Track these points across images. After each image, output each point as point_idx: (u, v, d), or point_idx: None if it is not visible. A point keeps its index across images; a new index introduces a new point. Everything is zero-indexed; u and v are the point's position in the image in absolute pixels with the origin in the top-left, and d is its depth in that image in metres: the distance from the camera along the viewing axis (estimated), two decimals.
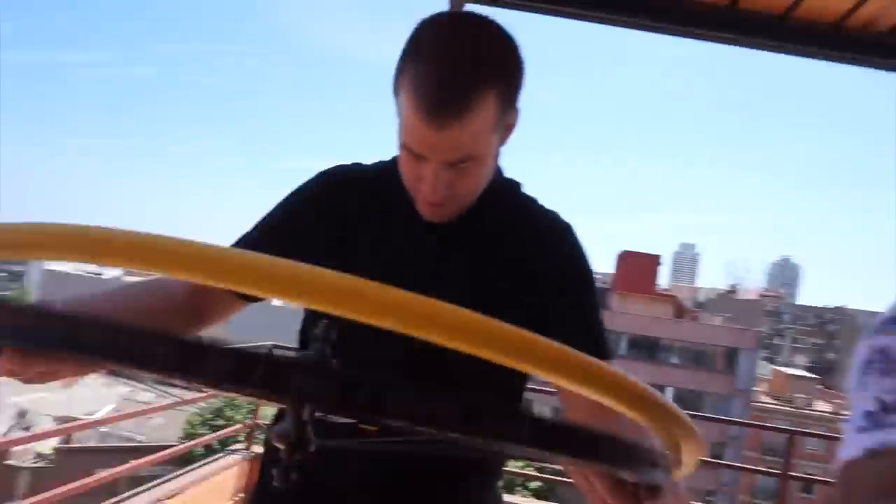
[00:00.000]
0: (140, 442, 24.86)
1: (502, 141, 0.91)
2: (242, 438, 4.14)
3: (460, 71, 0.80)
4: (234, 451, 4.01)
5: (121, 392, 31.82)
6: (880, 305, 0.72)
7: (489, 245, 0.96)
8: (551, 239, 0.99)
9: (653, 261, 35.42)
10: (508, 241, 0.97)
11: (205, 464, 3.70)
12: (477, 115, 0.80)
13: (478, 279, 0.93)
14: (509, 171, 1.03)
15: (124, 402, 30.22)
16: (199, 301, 0.95)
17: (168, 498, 3.16)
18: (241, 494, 3.86)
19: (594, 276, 1.02)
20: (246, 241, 0.98)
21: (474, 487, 1.01)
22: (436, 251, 0.95)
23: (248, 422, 4.14)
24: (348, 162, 1.06)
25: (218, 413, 26.49)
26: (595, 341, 0.93)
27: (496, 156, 0.93)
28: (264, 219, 1.01)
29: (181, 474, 3.46)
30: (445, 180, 0.85)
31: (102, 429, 27.09)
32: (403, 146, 0.86)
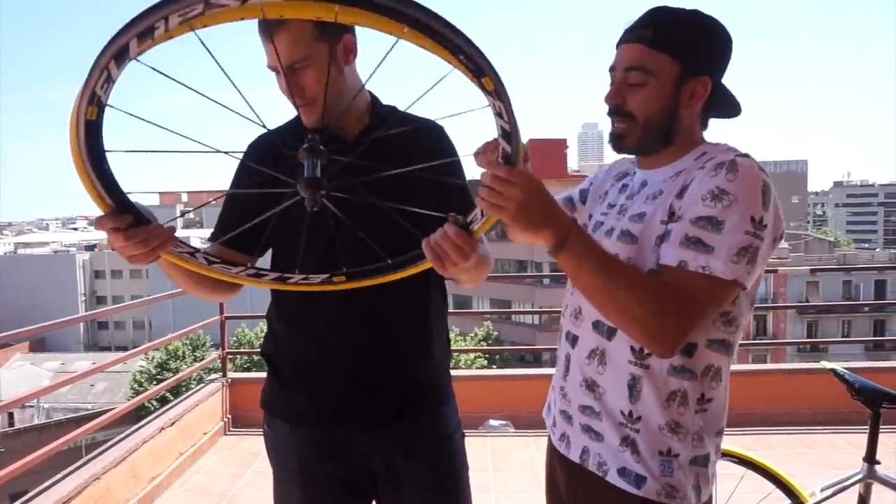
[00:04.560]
0: (88, 410, 24.56)
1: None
2: (218, 367, 4.46)
3: None
4: (212, 380, 4.34)
5: (51, 367, 30.90)
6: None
7: (397, 148, 1.28)
8: (435, 137, 1.38)
9: (559, 145, 36.22)
10: (409, 142, 1.30)
11: (192, 393, 4.03)
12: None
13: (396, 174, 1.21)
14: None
15: (58, 376, 29.46)
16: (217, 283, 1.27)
17: (170, 424, 3.51)
18: (229, 416, 4.24)
19: (459, 160, 1.41)
20: (224, 213, 1.37)
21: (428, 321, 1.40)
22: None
23: (220, 353, 4.45)
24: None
25: (162, 366, 26.33)
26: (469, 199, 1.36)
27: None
28: (231, 185, 1.37)
29: (177, 403, 3.79)
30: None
31: (45, 405, 26.49)
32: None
